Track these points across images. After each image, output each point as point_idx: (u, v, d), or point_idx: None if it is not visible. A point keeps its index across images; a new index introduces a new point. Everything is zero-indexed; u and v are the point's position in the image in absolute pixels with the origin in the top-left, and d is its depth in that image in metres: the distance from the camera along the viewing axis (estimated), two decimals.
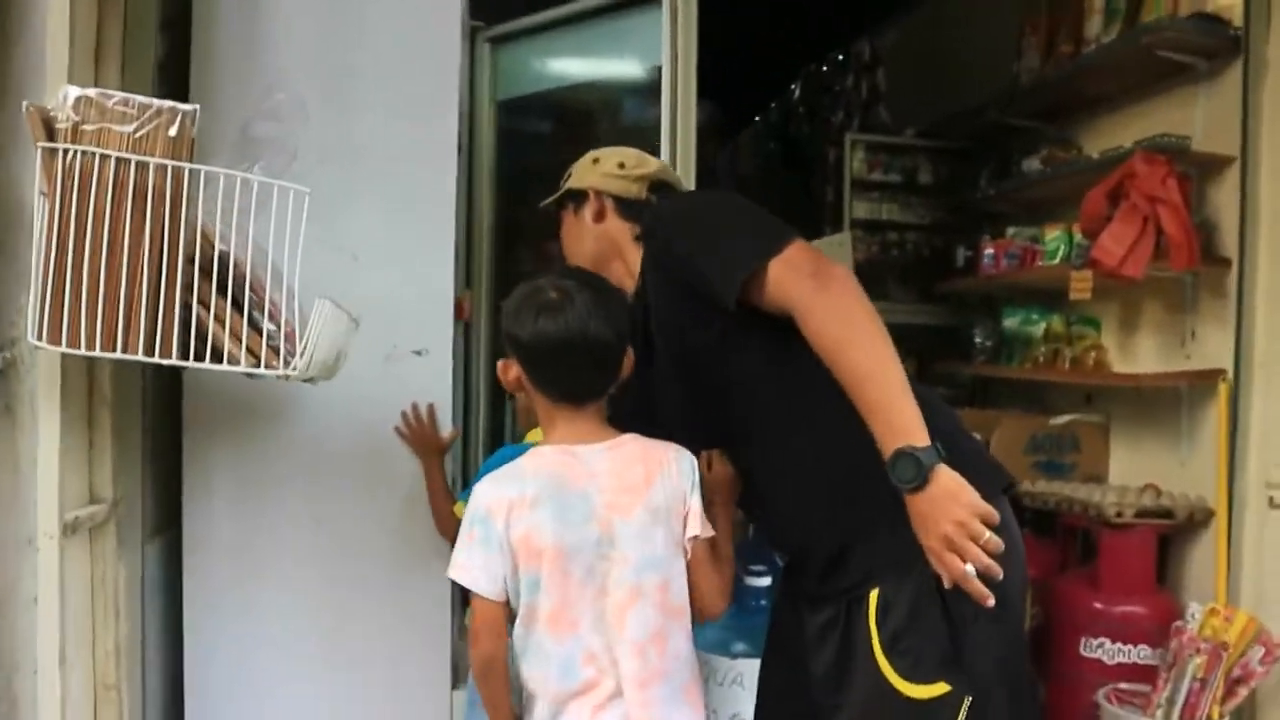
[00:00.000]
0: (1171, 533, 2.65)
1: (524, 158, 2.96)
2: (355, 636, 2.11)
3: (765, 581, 2.38)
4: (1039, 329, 3.29)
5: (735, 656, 2.32)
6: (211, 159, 1.41)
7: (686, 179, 2.24)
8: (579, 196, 1.64)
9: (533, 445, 1.83)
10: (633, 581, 1.30)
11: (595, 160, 1.65)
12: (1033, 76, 3.38)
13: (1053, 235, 3.07)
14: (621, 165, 1.63)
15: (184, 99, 1.41)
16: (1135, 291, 2.83)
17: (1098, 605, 2.56)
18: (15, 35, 1.53)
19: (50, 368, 1.48)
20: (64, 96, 1.32)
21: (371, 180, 2.07)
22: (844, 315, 1.27)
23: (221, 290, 1.40)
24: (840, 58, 5.60)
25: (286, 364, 1.41)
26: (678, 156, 2.31)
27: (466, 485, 2.47)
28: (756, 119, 6.99)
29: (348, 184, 2.02)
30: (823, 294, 1.27)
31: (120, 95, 1.34)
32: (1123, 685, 2.48)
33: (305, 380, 1.52)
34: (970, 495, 1.20)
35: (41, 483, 1.48)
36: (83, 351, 1.34)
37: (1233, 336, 2.53)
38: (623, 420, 1.41)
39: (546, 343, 1.31)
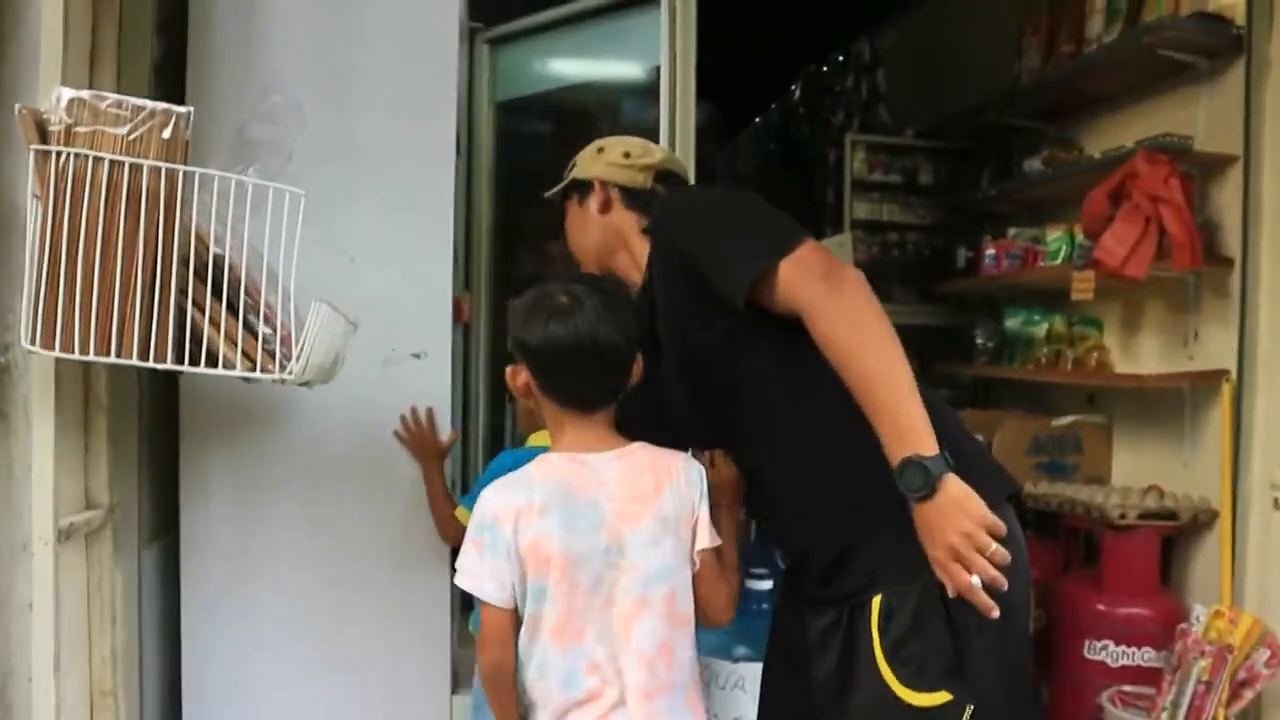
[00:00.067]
0: (1175, 534, 2.64)
1: (523, 158, 2.96)
2: (354, 641, 2.10)
3: (767, 585, 2.37)
4: (1041, 330, 3.28)
5: (737, 660, 2.31)
6: (209, 161, 1.39)
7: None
8: (584, 187, 1.62)
9: (535, 449, 1.82)
10: (640, 592, 1.29)
11: (600, 150, 1.63)
12: (1033, 76, 3.37)
13: (1054, 236, 3.06)
14: (627, 155, 1.60)
15: (180, 101, 1.41)
16: (1137, 292, 2.82)
17: (1101, 607, 2.55)
18: (9, 36, 1.51)
19: (44, 372, 1.47)
20: (57, 98, 1.31)
21: (370, 182, 2.06)
22: (854, 319, 1.25)
23: (216, 293, 1.39)
24: (840, 58, 5.59)
25: (282, 368, 1.39)
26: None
27: (466, 489, 2.47)
28: (756, 119, 6.97)
29: (346, 185, 2.01)
30: (834, 296, 1.26)
31: (113, 97, 1.32)
32: (1127, 688, 2.47)
33: (302, 384, 1.50)
34: (978, 506, 1.19)
35: (36, 488, 1.47)
36: (76, 356, 1.33)
37: (1236, 336, 2.52)
38: (632, 423, 1.40)
39: (556, 348, 1.30)
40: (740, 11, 4.06)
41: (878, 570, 1.32)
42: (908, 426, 1.21)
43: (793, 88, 6.24)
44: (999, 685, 1.28)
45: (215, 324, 1.38)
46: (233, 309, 1.40)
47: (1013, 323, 3.43)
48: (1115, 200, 2.61)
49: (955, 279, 3.90)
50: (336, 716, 2.10)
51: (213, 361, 1.38)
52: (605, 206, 1.60)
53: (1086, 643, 2.54)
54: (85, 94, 1.32)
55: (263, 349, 1.40)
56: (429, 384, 2.08)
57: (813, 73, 5.95)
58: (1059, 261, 3.01)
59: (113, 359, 1.34)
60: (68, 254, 1.31)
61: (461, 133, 2.38)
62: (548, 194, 1.69)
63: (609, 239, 1.60)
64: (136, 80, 1.83)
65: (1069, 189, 3.04)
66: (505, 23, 2.86)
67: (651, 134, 2.35)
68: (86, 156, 1.30)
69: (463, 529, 1.87)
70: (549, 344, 1.30)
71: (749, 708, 2.29)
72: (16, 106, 1.33)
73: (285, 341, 1.41)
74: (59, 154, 1.30)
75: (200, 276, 1.39)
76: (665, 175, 1.62)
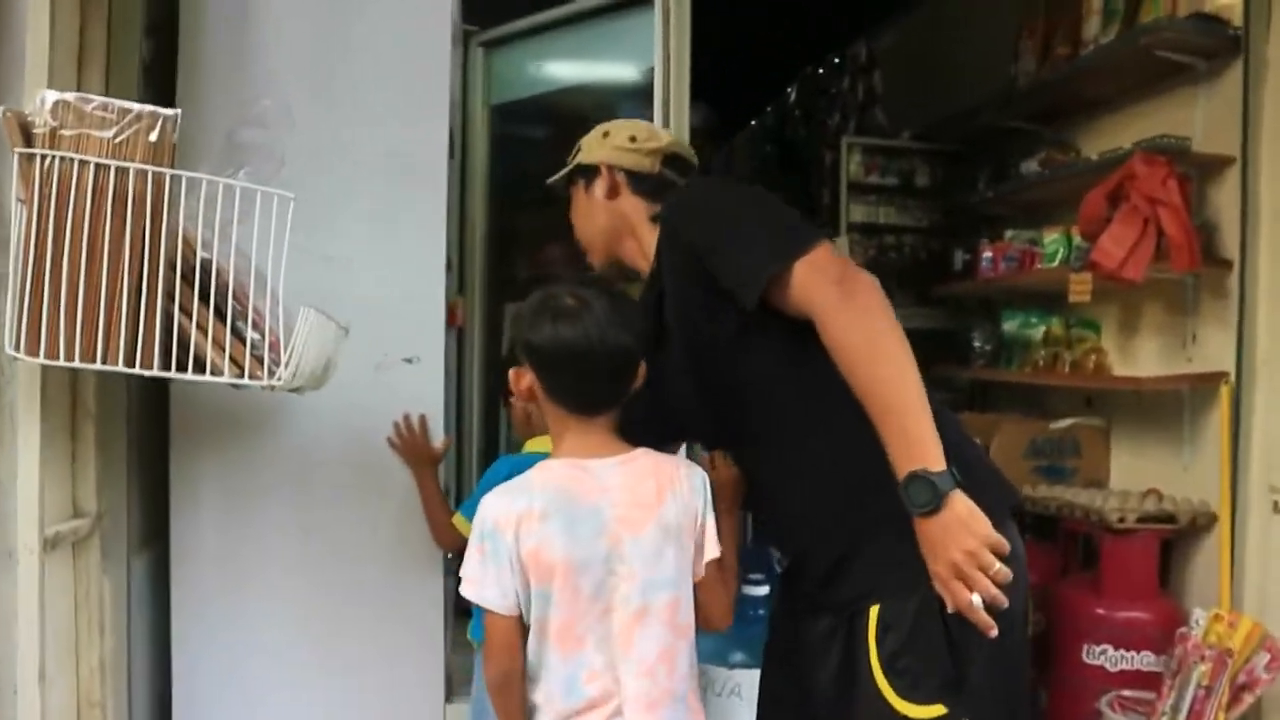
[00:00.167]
0: (1174, 538, 2.63)
1: (517, 162, 2.94)
2: (347, 649, 2.08)
3: (763, 591, 2.36)
4: (1038, 332, 3.26)
5: (733, 667, 2.30)
6: (200, 165, 1.38)
7: None
8: (589, 172, 1.59)
9: (533, 455, 1.81)
10: (640, 600, 1.28)
11: (605, 134, 1.60)
12: (1030, 78, 3.36)
13: (1052, 238, 3.05)
14: (633, 138, 1.57)
15: (171, 104, 1.39)
16: (1135, 294, 2.81)
17: (1100, 611, 2.54)
18: None
19: (30, 379, 1.45)
20: (41, 101, 1.30)
21: (362, 185, 2.04)
22: (866, 326, 1.23)
23: (204, 299, 1.37)
24: (836, 60, 5.58)
25: (271, 374, 1.37)
26: None
27: (460, 497, 2.45)
28: (752, 122, 6.97)
29: (338, 189, 1.99)
30: (847, 302, 1.24)
31: (99, 100, 1.31)
32: (1126, 692, 2.46)
33: (292, 390, 1.48)
34: (983, 525, 1.17)
35: (21, 496, 1.45)
36: (61, 362, 1.31)
37: (1234, 338, 2.51)
38: (634, 422, 1.38)
39: (564, 349, 1.28)
40: (736, 14, 4.05)
41: (877, 577, 1.30)
42: (916, 439, 1.19)
43: (789, 90, 6.24)
44: (996, 699, 1.27)
45: (203, 330, 1.37)
46: (221, 314, 1.39)
47: (1010, 325, 3.42)
48: (1113, 202, 2.60)
49: (952, 282, 3.88)
50: None
51: (200, 368, 1.36)
52: (612, 191, 1.56)
53: (1085, 647, 2.53)
54: (70, 96, 1.30)
55: (251, 355, 1.38)
56: (422, 389, 2.06)
57: (809, 75, 5.94)
58: (1056, 264, 3.00)
59: (99, 366, 1.33)
60: (53, 259, 1.29)
61: (455, 136, 2.37)
62: (551, 180, 1.66)
63: (616, 225, 1.57)
64: (125, 83, 1.81)
65: (1066, 191, 3.03)
66: (499, 25, 2.84)
67: None
68: (72, 160, 1.28)
69: (460, 536, 1.87)
70: (556, 345, 1.28)
71: (746, 714, 2.28)
72: (0, 109, 1.31)
73: (274, 347, 1.40)
74: (44, 157, 1.29)
75: (188, 281, 1.37)
76: (672, 159, 1.59)
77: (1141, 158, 2.54)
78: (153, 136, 1.31)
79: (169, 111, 1.33)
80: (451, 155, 2.25)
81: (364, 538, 2.06)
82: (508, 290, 2.96)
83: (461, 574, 1.29)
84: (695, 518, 1.33)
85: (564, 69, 2.86)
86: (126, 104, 1.32)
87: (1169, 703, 2.29)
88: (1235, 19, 2.52)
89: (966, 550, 1.16)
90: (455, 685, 2.19)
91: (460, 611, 2.24)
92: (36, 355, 1.31)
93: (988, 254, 3.40)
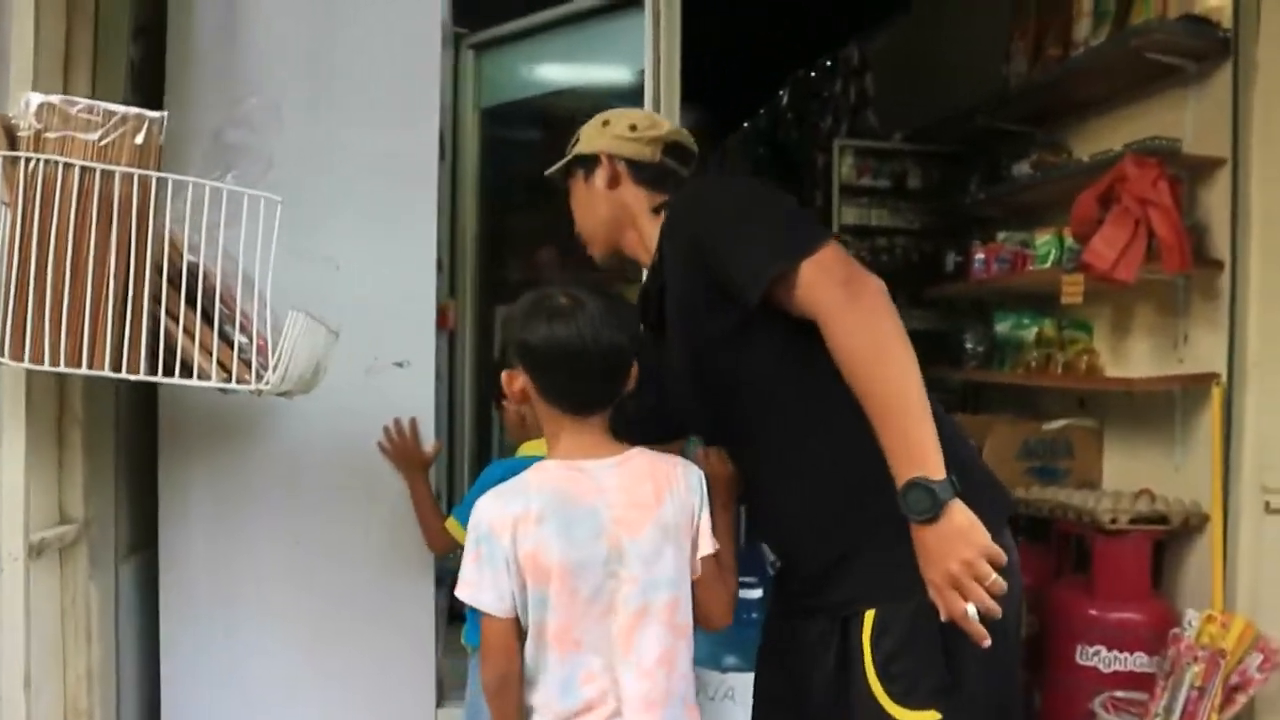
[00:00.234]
0: (1166, 538, 2.63)
1: (508, 164, 2.94)
2: (338, 655, 2.06)
3: (756, 594, 2.35)
4: (1030, 334, 3.27)
5: (726, 670, 2.29)
6: (189, 167, 1.37)
7: None
8: (589, 162, 1.56)
9: (526, 459, 1.80)
10: (641, 602, 1.27)
11: (605, 123, 1.57)
12: (1021, 80, 3.36)
13: (1043, 239, 3.06)
14: (633, 127, 1.55)
15: (161, 107, 1.37)
16: (1127, 295, 2.81)
17: (1093, 612, 2.54)
18: None
19: (15, 385, 1.44)
20: (26, 104, 1.29)
21: (352, 188, 2.03)
22: (871, 330, 1.22)
23: (191, 302, 1.36)
24: (828, 63, 5.59)
25: (259, 378, 1.36)
26: None
27: (452, 502, 2.44)
28: (745, 125, 6.98)
29: (328, 192, 1.98)
30: (853, 304, 1.22)
31: (84, 102, 1.30)
32: (1119, 693, 2.46)
33: (281, 394, 1.47)
34: (981, 535, 1.16)
35: (5, 503, 1.44)
36: (47, 367, 1.30)
37: (1225, 339, 2.52)
38: (634, 421, 1.37)
39: (558, 348, 1.27)
40: (728, 16, 4.06)
41: (874, 581, 1.30)
42: (916, 445, 1.18)
43: (781, 93, 6.25)
44: (989, 707, 1.26)
45: (190, 333, 1.36)
46: (208, 318, 1.38)
47: (1002, 327, 3.42)
48: (1104, 203, 2.60)
49: (944, 283, 3.89)
50: None
51: (187, 372, 1.35)
52: (613, 181, 1.54)
53: (1078, 648, 2.53)
54: (55, 99, 1.29)
55: (239, 359, 1.37)
56: (412, 393, 2.05)
57: (801, 78, 5.96)
58: (1048, 265, 3.01)
59: (84, 370, 1.31)
60: (38, 262, 1.28)
61: (446, 139, 2.36)
62: (549, 171, 1.63)
63: (617, 215, 1.55)
64: (113, 86, 1.80)
65: (1058, 192, 3.04)
66: (489, 28, 2.84)
67: None
68: (56, 163, 1.27)
69: (453, 540, 1.85)
70: (551, 344, 1.27)
71: (740, 718, 2.28)
72: None
73: (262, 351, 1.38)
74: (28, 160, 1.28)
75: (175, 285, 1.36)
76: (673, 147, 1.57)
77: (1132, 159, 2.54)
78: (139, 139, 1.30)
79: (155, 114, 1.32)
80: (442, 158, 2.24)
81: (354, 542, 2.05)
82: (499, 293, 2.95)
83: (459, 577, 1.28)
84: (692, 516, 1.33)
85: (554, 71, 2.86)
86: (112, 106, 1.31)
87: (1162, 703, 2.29)
88: (1225, 21, 2.52)
89: (964, 560, 1.15)
90: (446, 690, 2.17)
91: (453, 616, 2.23)
92: (21, 360, 1.30)
93: (980, 256, 3.40)
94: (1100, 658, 2.50)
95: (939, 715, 1.23)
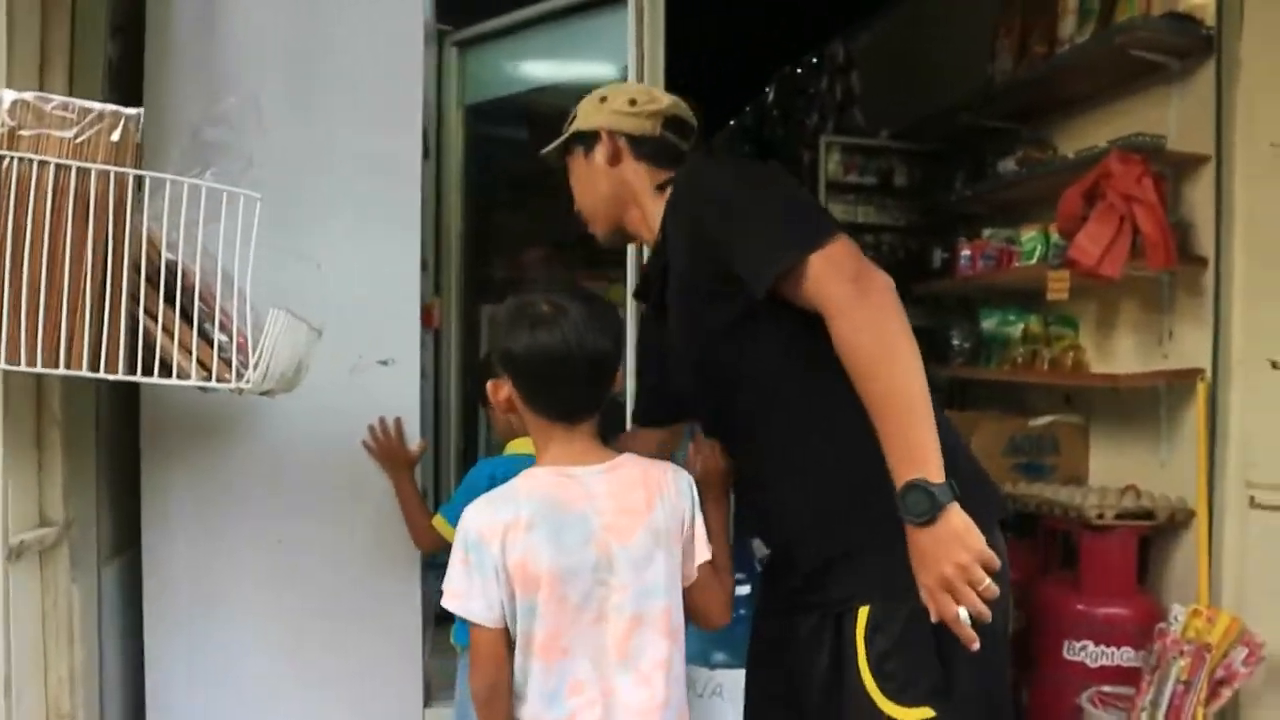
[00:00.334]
0: (1152, 534, 2.64)
1: (493, 162, 2.93)
2: (324, 655, 2.05)
3: (745, 590, 2.34)
4: (1017, 330, 3.28)
5: (714, 667, 2.29)
6: (169, 165, 1.35)
7: None
8: (588, 138, 1.54)
9: (514, 457, 1.79)
10: (634, 609, 1.26)
11: (603, 99, 1.55)
12: (1007, 77, 3.37)
13: (1029, 236, 3.06)
14: (632, 102, 1.53)
15: (138, 105, 1.36)
16: (1112, 291, 2.82)
17: (1080, 607, 2.55)
18: None
19: None
20: None
21: (336, 186, 2.02)
22: (878, 329, 1.21)
23: (170, 300, 1.35)
24: (814, 60, 5.59)
25: (239, 376, 1.35)
26: None
27: (439, 500, 2.42)
28: (731, 122, 6.98)
29: (311, 190, 1.97)
30: (861, 301, 1.21)
31: (59, 99, 1.28)
32: (1106, 688, 2.47)
33: (263, 393, 1.46)
34: (976, 540, 1.15)
35: None
36: (23, 368, 1.28)
37: (1210, 335, 2.53)
38: (636, 409, 1.36)
39: (543, 355, 1.25)
40: (713, 13, 4.05)
41: (871, 578, 1.29)
42: (917, 447, 1.17)
43: (767, 90, 6.24)
44: (981, 705, 1.26)
45: (169, 332, 1.34)
46: (187, 316, 1.36)
47: (988, 323, 3.43)
48: (1089, 200, 2.61)
49: (930, 280, 3.89)
50: None
51: (167, 371, 1.33)
52: (614, 158, 1.52)
53: (1065, 643, 2.53)
54: (29, 96, 1.27)
55: (219, 357, 1.36)
56: (397, 392, 2.04)
57: (787, 74, 5.96)
58: (1034, 261, 3.01)
59: (62, 370, 1.30)
60: (13, 261, 1.26)
61: (430, 136, 2.34)
62: (545, 150, 1.61)
63: (619, 192, 1.52)
64: (90, 83, 1.78)
65: (1043, 189, 3.04)
66: (473, 25, 2.83)
67: None
68: (31, 160, 1.26)
69: (441, 538, 1.84)
70: (534, 352, 1.26)
71: (728, 715, 2.27)
72: None
73: (242, 349, 1.37)
74: (2, 158, 1.26)
75: (153, 283, 1.35)
76: (674, 122, 1.54)
77: (1117, 156, 2.55)
78: (115, 136, 1.28)
79: (131, 111, 1.31)
80: (426, 155, 2.23)
81: (339, 542, 2.03)
82: (484, 290, 2.94)
83: (444, 587, 1.27)
84: (683, 522, 1.32)
85: (538, 68, 2.85)
86: (87, 103, 1.29)
87: (1149, 698, 2.30)
88: (1208, 18, 2.53)
89: (958, 564, 1.14)
90: (434, 690, 2.16)
91: (440, 616, 2.21)
92: None
93: (966, 252, 3.41)
94: (1087, 653, 2.51)
95: (932, 713, 1.23)
